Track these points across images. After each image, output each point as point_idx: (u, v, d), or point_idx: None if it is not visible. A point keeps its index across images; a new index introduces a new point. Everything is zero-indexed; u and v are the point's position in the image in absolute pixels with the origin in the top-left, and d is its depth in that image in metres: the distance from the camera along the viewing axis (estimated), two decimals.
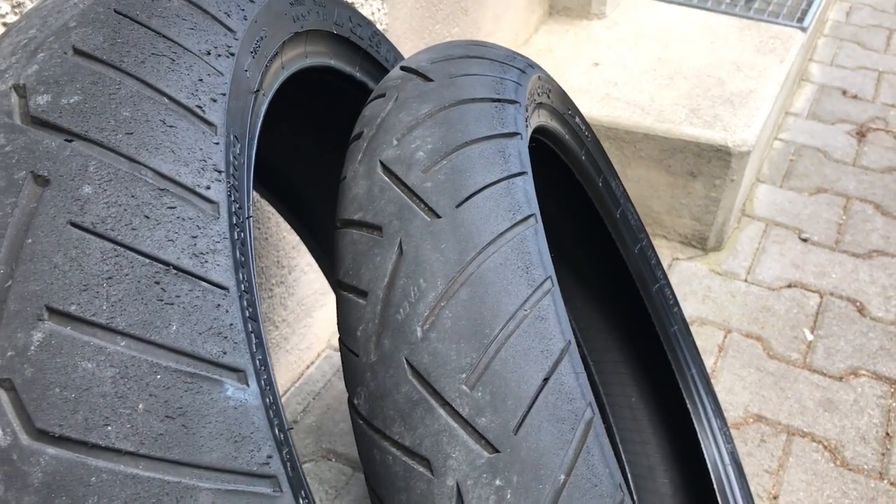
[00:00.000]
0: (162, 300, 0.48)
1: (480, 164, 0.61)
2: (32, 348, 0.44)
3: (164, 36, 0.58)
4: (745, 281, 1.89)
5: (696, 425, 1.21)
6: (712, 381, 1.56)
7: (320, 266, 1.30)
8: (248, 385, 0.49)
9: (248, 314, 0.51)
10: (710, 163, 1.81)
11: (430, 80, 0.69)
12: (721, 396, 1.57)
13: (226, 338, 0.49)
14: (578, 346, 1.18)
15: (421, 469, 0.52)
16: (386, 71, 0.99)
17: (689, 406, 1.22)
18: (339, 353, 1.69)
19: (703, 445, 1.20)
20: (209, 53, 0.59)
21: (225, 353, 0.48)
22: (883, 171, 2.29)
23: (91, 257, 0.47)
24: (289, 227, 1.31)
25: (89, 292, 0.46)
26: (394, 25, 1.55)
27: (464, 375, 0.52)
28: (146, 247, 0.48)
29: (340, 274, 0.61)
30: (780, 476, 1.42)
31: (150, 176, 0.50)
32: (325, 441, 1.51)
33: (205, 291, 0.49)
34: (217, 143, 0.55)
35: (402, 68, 0.74)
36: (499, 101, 0.68)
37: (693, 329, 1.73)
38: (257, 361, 0.50)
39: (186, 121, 0.54)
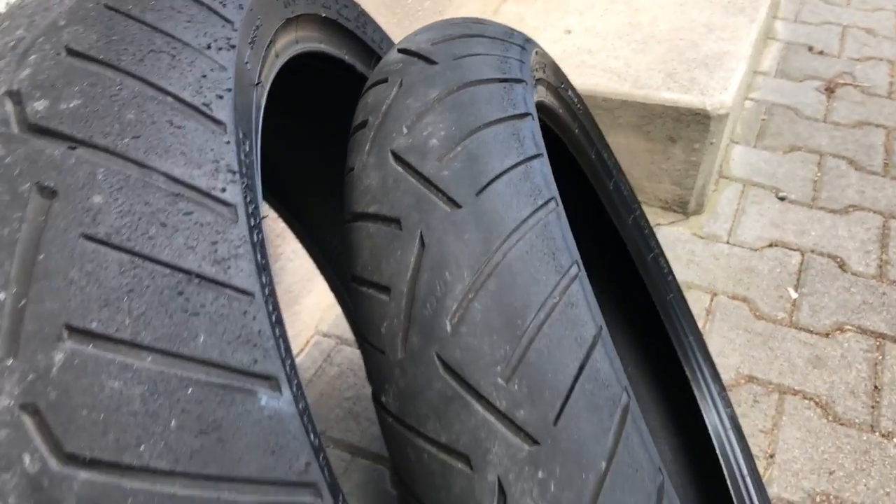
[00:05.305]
0: (187, 311, 0.45)
1: (496, 149, 0.59)
2: (55, 370, 0.42)
3: (160, 31, 0.55)
4: (728, 243, 1.89)
5: (695, 391, 1.22)
6: None
7: (311, 255, 1.27)
8: (281, 392, 0.47)
9: (273, 318, 0.49)
10: (688, 127, 1.80)
11: (433, 62, 0.67)
12: None
13: (255, 345, 0.47)
14: None
15: (460, 465, 0.51)
16: (373, 52, 0.96)
17: (687, 373, 1.22)
18: (326, 339, 1.67)
19: (702, 410, 1.20)
20: (209, 47, 0.57)
21: (256, 361, 0.47)
22: (853, 126, 2.30)
23: (109, 271, 0.44)
24: (272, 214, 1.28)
25: (110, 308, 0.44)
26: (365, 2, 1.52)
27: (498, 368, 0.51)
28: (166, 256, 0.46)
29: (357, 269, 0.59)
30: (774, 435, 1.43)
31: (163, 181, 0.48)
32: (321, 427, 1.49)
33: (230, 299, 0.47)
34: (228, 143, 0.52)
35: (401, 51, 0.72)
36: (506, 80, 0.67)
37: None
38: (287, 367, 0.48)
39: (194, 120, 0.52)
